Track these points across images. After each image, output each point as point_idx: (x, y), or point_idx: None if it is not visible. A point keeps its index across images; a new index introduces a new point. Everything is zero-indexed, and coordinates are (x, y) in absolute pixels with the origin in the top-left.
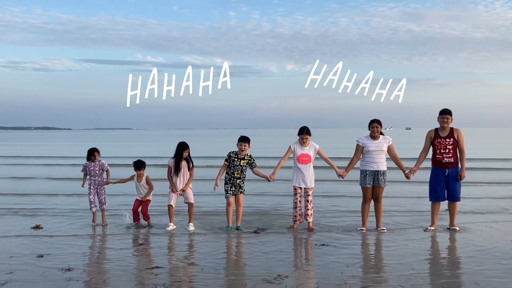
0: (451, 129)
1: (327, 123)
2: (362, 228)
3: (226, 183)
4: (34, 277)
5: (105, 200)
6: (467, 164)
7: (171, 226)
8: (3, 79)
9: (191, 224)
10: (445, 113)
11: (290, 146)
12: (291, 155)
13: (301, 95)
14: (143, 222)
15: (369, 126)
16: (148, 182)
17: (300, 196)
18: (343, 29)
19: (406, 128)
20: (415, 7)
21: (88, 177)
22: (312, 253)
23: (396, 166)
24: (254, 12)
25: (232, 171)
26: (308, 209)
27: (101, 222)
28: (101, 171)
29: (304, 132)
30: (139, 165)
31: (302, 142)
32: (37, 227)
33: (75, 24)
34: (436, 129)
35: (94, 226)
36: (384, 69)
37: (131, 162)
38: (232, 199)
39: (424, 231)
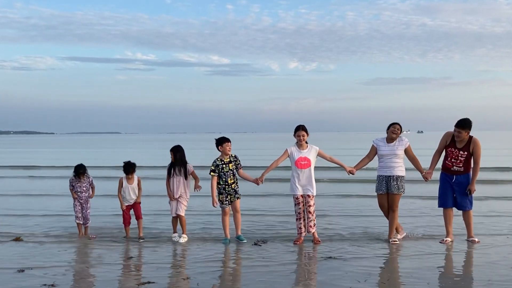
0: (469, 139)
1: (335, 126)
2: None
3: (220, 193)
4: None
5: (89, 216)
6: (484, 175)
7: (176, 237)
8: None
9: (184, 235)
10: (457, 126)
11: (286, 150)
12: (287, 160)
13: (305, 96)
14: (131, 234)
15: (388, 128)
16: (139, 184)
17: (303, 204)
18: (350, 23)
19: (418, 132)
20: (429, 0)
21: (75, 192)
22: (318, 267)
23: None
24: (254, 5)
25: (224, 179)
26: (310, 220)
27: (86, 234)
28: (88, 186)
29: (300, 128)
30: (127, 169)
31: (300, 145)
32: (17, 239)
33: (59, 19)
34: (454, 135)
35: (80, 236)
36: (396, 67)
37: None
38: (228, 209)
39: (440, 242)
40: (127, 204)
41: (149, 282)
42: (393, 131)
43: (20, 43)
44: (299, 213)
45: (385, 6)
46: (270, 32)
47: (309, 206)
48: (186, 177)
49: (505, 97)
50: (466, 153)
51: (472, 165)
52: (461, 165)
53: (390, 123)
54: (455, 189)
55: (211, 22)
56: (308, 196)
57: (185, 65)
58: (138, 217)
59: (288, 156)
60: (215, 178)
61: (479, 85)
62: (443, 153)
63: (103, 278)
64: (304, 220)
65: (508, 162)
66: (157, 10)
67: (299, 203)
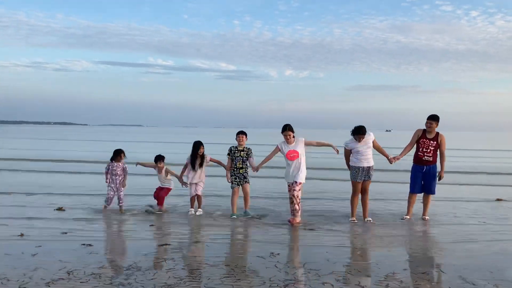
0: (437, 133)
1: (322, 124)
2: (353, 219)
3: (231, 175)
4: (60, 250)
5: (122, 197)
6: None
7: (192, 211)
8: (26, 78)
9: (199, 209)
10: (428, 119)
11: (277, 146)
12: (280, 154)
13: (298, 98)
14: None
15: (354, 135)
16: (168, 172)
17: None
18: (337, 39)
19: (386, 130)
20: (403, 21)
21: (109, 175)
22: (303, 235)
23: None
24: (257, 22)
25: (234, 163)
26: (294, 204)
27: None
28: (122, 172)
29: (286, 129)
30: (156, 158)
31: (287, 140)
32: (60, 209)
33: (94, 29)
34: (424, 130)
35: (103, 207)
36: (374, 76)
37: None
38: (236, 188)
39: (401, 219)
40: (160, 186)
41: (166, 244)
42: (359, 138)
43: (61, 48)
44: (291, 198)
45: (366, 25)
46: (270, 44)
47: (294, 190)
48: (201, 166)
49: (466, 104)
50: (435, 143)
51: (438, 157)
52: (430, 155)
53: (354, 129)
54: (426, 177)
55: (220, 34)
56: (295, 182)
57: (198, 70)
58: (161, 196)
59: (280, 151)
60: (229, 160)
61: (444, 93)
62: (415, 147)
63: (129, 241)
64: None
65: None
66: (176, 24)
67: (291, 189)
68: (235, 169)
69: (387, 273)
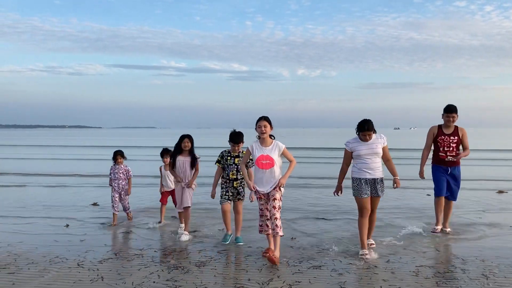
0: (456, 127)
1: (335, 123)
2: (364, 252)
3: (222, 188)
4: (103, 237)
5: (128, 205)
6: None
7: (183, 232)
8: (41, 82)
9: (185, 232)
10: (451, 112)
11: (248, 148)
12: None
13: (310, 97)
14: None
15: (359, 133)
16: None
17: (266, 202)
18: (349, 37)
19: (394, 128)
20: (416, 17)
21: (112, 179)
22: (315, 224)
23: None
24: (269, 22)
25: (226, 172)
26: (276, 218)
27: (130, 219)
28: (125, 175)
29: (262, 118)
30: (162, 153)
31: (262, 140)
32: (94, 204)
33: (107, 33)
34: (440, 126)
35: (113, 225)
36: (387, 74)
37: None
38: (227, 205)
39: (432, 232)
40: (166, 191)
41: (196, 231)
42: (364, 136)
43: (74, 52)
44: (262, 210)
45: (379, 23)
46: (282, 44)
47: (274, 200)
48: (192, 166)
49: (480, 100)
50: (456, 138)
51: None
52: (453, 154)
53: (358, 124)
54: (449, 180)
55: (232, 35)
56: (275, 189)
57: (210, 71)
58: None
59: (251, 154)
60: (219, 168)
61: (457, 90)
62: (432, 148)
63: (163, 229)
64: (267, 217)
65: None
66: (188, 26)
67: (264, 202)
68: (228, 181)
69: (389, 252)
